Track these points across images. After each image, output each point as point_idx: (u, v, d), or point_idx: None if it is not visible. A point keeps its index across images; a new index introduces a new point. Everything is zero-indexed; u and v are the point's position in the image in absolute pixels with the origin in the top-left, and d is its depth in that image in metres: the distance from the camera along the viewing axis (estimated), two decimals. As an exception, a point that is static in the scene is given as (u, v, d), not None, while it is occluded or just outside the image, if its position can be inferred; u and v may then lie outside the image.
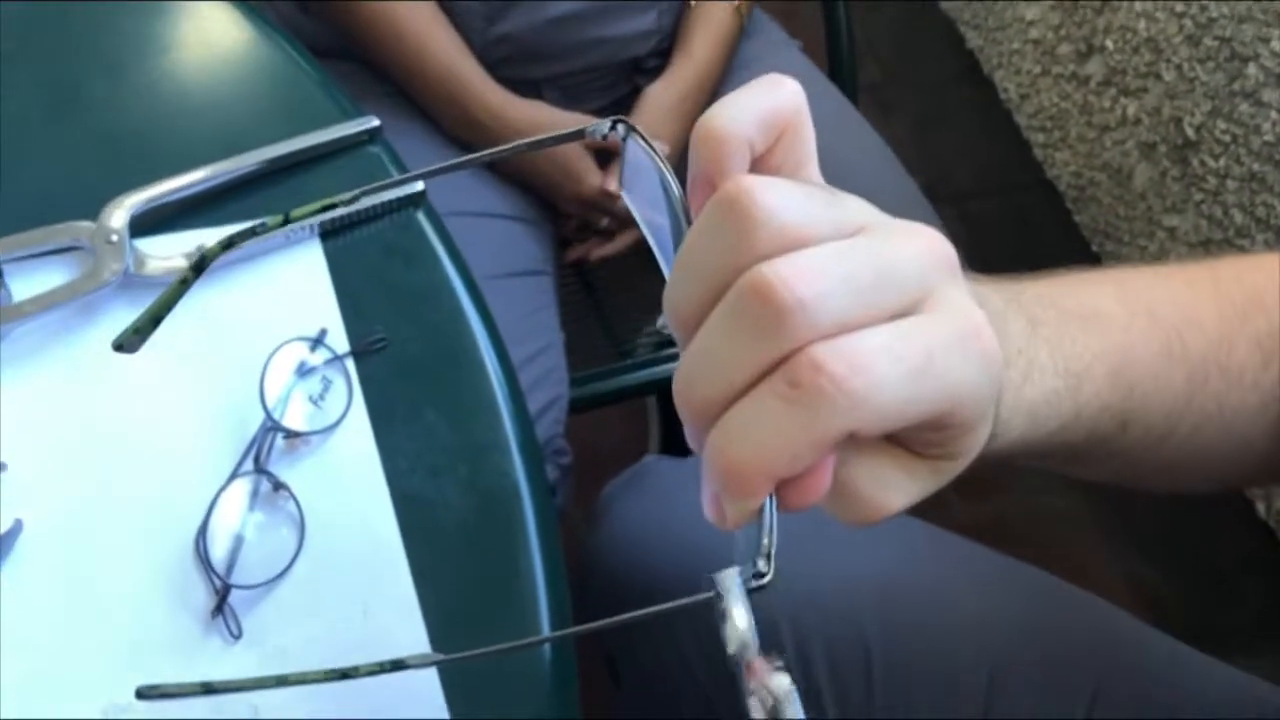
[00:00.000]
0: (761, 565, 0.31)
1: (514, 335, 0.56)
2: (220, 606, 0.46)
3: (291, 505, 0.49)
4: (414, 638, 0.47)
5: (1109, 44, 1.39)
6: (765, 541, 0.31)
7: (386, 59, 0.91)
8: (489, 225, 0.92)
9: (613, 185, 0.94)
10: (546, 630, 0.48)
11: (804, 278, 0.30)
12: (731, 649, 0.31)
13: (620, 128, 0.36)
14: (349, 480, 0.51)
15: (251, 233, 0.43)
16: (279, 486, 0.49)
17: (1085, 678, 0.66)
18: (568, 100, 0.97)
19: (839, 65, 1.12)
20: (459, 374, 0.54)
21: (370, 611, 0.47)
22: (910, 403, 0.31)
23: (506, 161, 0.93)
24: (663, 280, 0.34)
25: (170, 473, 0.49)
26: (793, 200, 0.31)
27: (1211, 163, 1.26)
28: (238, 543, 0.48)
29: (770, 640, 0.30)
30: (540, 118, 0.92)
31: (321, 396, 0.52)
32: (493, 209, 0.93)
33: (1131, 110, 1.38)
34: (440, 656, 0.32)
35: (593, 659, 0.79)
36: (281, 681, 0.32)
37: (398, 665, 0.32)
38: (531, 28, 0.94)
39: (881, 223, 0.33)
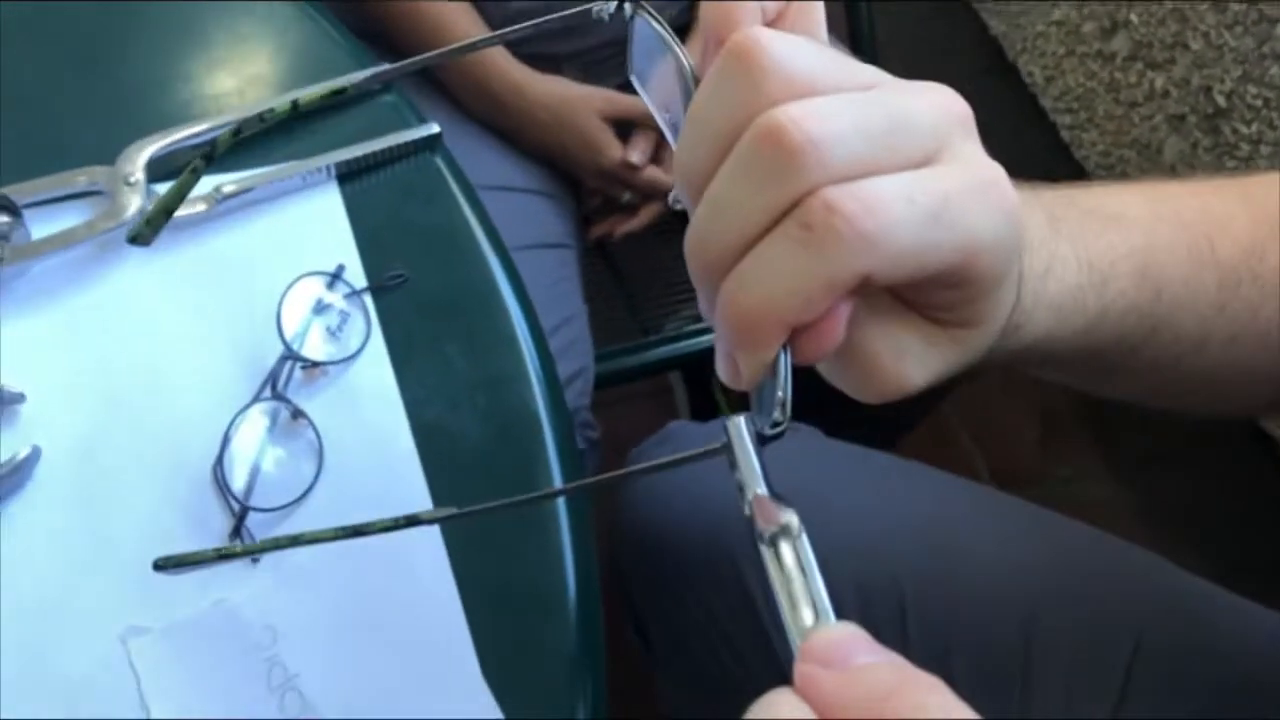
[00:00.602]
0: (777, 415, 0.30)
1: (537, 306, 0.56)
2: (238, 529, 0.46)
3: (310, 433, 0.49)
4: (435, 557, 0.46)
5: (1133, 18, 1.38)
6: (780, 393, 0.30)
7: (406, 37, 0.92)
8: (510, 198, 0.92)
9: (634, 157, 0.93)
10: (569, 554, 0.47)
11: (815, 118, 0.29)
12: (745, 495, 0.31)
13: (627, 5, 0.36)
14: (368, 410, 0.50)
15: (260, 119, 0.42)
16: (297, 414, 0.49)
17: (1127, 625, 0.65)
18: (588, 77, 0.97)
19: (860, 49, 1.12)
20: (477, 308, 0.54)
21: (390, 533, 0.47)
22: (926, 249, 0.30)
23: (527, 135, 0.93)
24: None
25: (188, 401, 0.49)
26: (804, 51, 0.31)
27: (1243, 129, 1.25)
28: (256, 468, 0.48)
29: None
30: (559, 90, 0.92)
31: (339, 329, 0.52)
32: (514, 182, 0.93)
33: (1159, 83, 1.36)
34: (453, 511, 0.32)
35: (622, 628, 0.78)
36: (295, 541, 0.31)
37: (411, 521, 0.31)
38: (549, 3, 0.94)
39: (894, 81, 0.32)
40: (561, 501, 0.50)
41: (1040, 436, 1.48)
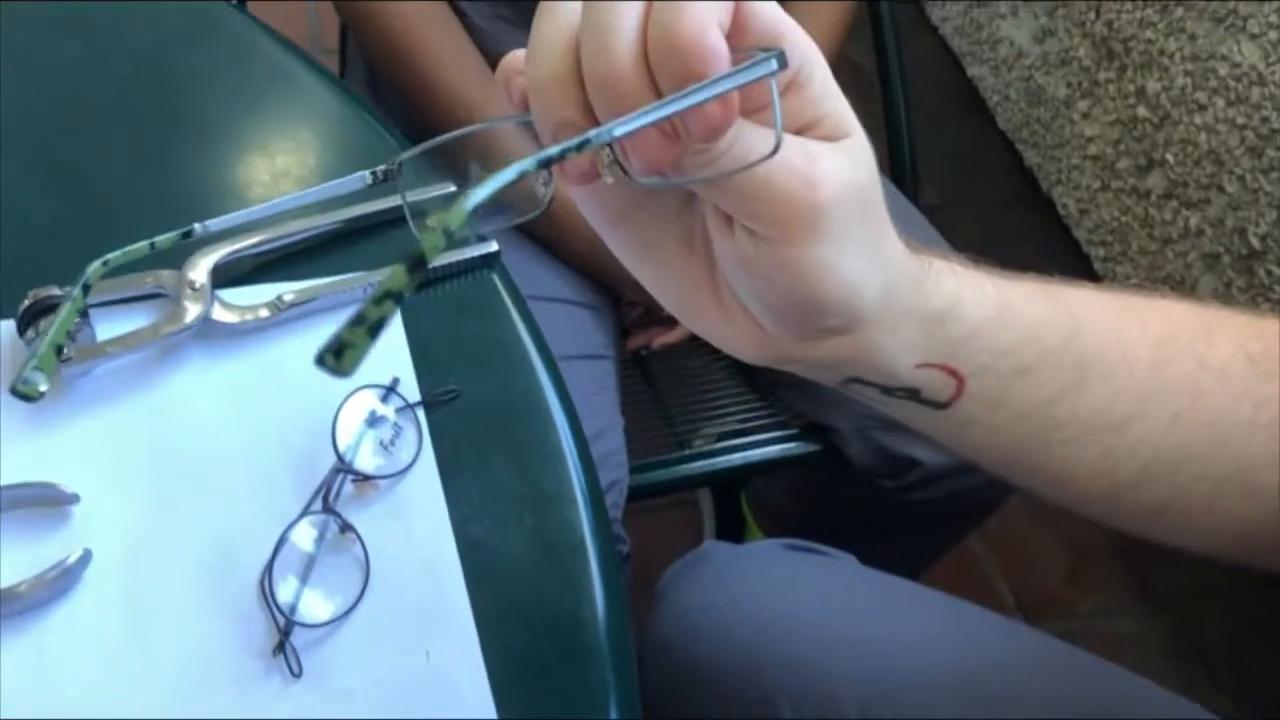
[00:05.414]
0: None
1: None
2: (282, 644, 0.46)
3: (358, 548, 0.49)
4: (475, 683, 0.46)
5: (1169, 158, 1.40)
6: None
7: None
8: (553, 309, 0.93)
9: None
10: (610, 677, 0.47)
11: None
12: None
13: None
14: (415, 525, 0.50)
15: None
16: (346, 528, 0.49)
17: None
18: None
19: (901, 175, 1.14)
20: (527, 425, 0.54)
21: (433, 656, 0.47)
22: None
23: (572, 247, 0.95)
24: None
25: (239, 511, 0.49)
26: None
27: (1278, 271, 1.25)
28: (302, 582, 0.47)
29: None
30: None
31: (392, 443, 0.52)
32: (557, 294, 0.94)
33: (1194, 222, 1.38)
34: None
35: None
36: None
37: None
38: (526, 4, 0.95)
39: None
40: (603, 618, 0.49)
41: (1069, 567, 1.46)
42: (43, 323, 0.51)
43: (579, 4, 0.32)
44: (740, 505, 1.28)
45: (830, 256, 0.33)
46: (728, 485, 1.26)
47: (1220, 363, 0.42)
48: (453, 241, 0.26)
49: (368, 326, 0.24)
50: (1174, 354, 0.42)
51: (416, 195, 0.59)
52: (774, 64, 0.30)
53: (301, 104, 0.69)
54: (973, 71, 1.82)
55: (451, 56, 0.92)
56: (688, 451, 1.00)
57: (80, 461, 0.49)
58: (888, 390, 0.39)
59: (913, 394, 0.39)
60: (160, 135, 0.64)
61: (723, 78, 0.29)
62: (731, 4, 0.30)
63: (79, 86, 0.66)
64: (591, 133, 0.29)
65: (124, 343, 0.52)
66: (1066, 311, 0.41)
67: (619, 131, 0.29)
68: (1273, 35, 1.20)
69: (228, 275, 0.57)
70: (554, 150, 0.29)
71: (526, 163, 0.28)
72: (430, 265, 0.25)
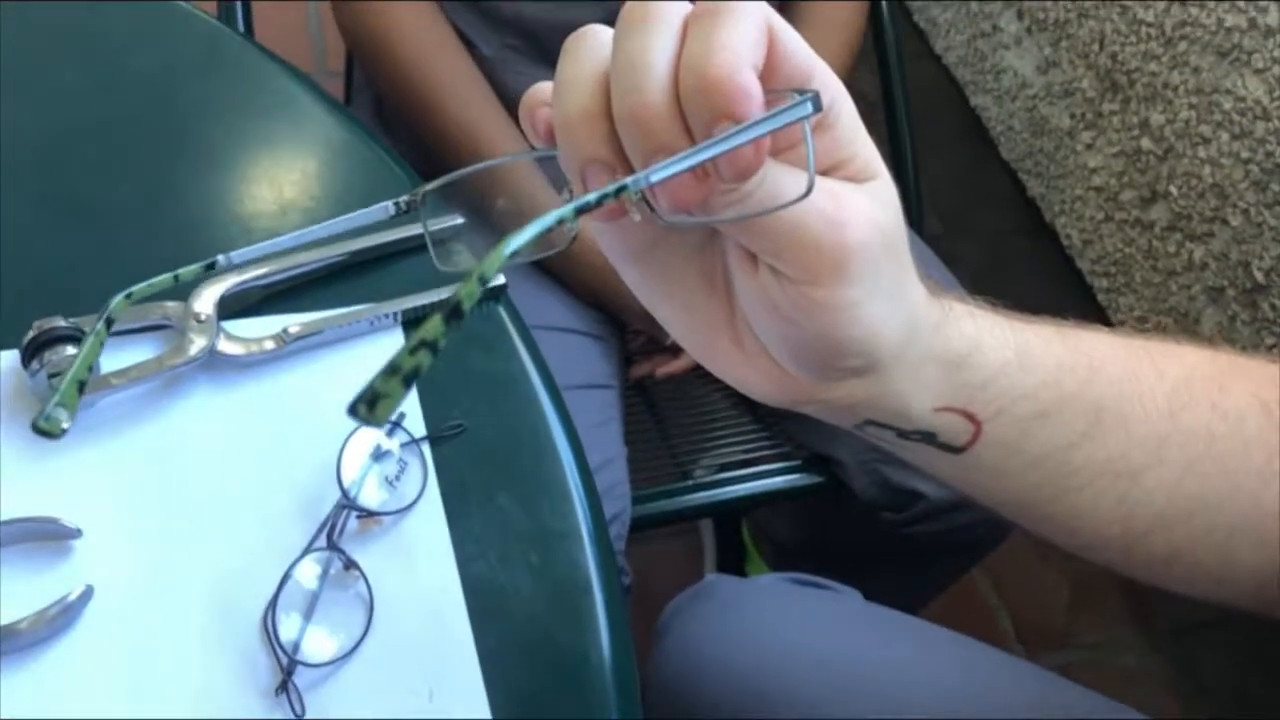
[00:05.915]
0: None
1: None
2: (285, 684, 0.45)
3: (361, 585, 0.48)
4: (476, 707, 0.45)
5: (1173, 190, 1.40)
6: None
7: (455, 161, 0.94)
8: (558, 338, 0.92)
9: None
10: (615, 716, 0.46)
11: None
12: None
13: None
14: (420, 563, 0.50)
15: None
16: (350, 565, 0.49)
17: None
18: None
19: (904, 203, 1.14)
20: (533, 461, 0.54)
21: (436, 696, 0.46)
22: None
23: (578, 276, 0.95)
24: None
25: (242, 546, 0.49)
26: None
27: (1283, 306, 1.25)
28: (306, 620, 0.47)
29: None
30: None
31: (397, 478, 0.52)
32: (563, 323, 0.94)
33: (1198, 255, 1.38)
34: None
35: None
36: None
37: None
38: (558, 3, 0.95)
39: None
40: (609, 659, 0.49)
41: (1071, 600, 1.45)
42: (48, 354, 0.50)
43: (608, 39, 0.32)
44: (742, 534, 1.27)
45: (855, 298, 0.33)
46: (730, 514, 1.25)
47: (1235, 409, 0.42)
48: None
49: (402, 376, 0.24)
50: (1190, 401, 0.42)
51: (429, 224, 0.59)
52: (809, 107, 0.30)
53: (308, 133, 0.69)
54: (976, 101, 1.82)
55: (459, 85, 0.92)
56: (691, 482, 0.99)
57: (83, 496, 0.49)
58: (903, 434, 0.39)
59: (929, 438, 0.39)
60: (166, 164, 0.64)
61: (759, 121, 0.29)
62: (765, 44, 0.30)
63: (83, 115, 0.66)
64: (629, 180, 0.29)
65: (128, 375, 0.52)
66: (1084, 356, 0.40)
67: (656, 178, 0.29)
68: (1277, 70, 1.21)
69: (233, 307, 0.56)
70: (591, 197, 0.29)
71: (564, 211, 0.28)
72: (467, 313, 0.25)
